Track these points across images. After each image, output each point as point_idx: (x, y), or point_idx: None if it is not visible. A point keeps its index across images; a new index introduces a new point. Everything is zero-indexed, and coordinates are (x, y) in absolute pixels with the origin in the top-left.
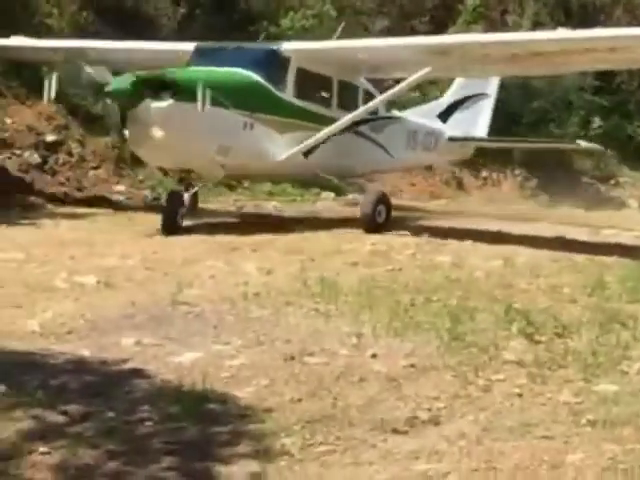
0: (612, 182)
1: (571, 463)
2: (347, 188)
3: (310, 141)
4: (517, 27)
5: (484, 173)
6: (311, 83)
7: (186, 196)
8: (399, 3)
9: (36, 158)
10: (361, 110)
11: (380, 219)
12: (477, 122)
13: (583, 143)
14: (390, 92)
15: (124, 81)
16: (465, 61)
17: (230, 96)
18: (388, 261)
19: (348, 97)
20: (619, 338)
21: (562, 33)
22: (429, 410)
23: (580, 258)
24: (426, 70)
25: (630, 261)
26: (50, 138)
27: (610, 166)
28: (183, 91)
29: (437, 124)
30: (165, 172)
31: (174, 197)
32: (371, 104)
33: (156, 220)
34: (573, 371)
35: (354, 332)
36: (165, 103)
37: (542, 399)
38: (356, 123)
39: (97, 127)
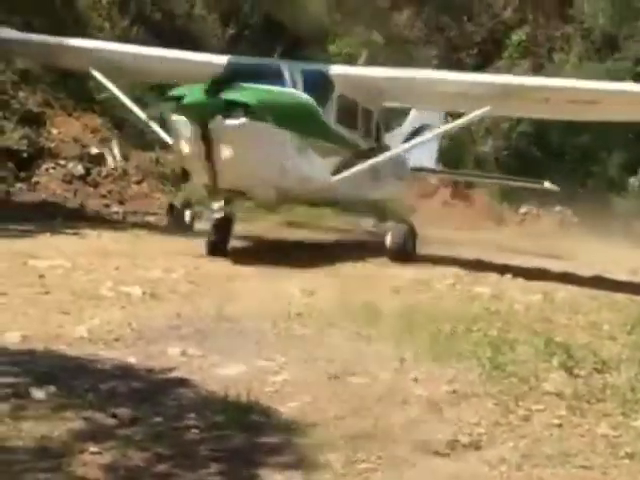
0: None
1: None
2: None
3: (360, 167)
4: (563, 64)
5: (524, 208)
6: (346, 108)
7: (233, 222)
8: (447, 34)
9: (80, 169)
10: (418, 141)
11: (409, 249)
12: (429, 153)
13: (547, 184)
14: (447, 127)
15: (199, 95)
16: (526, 103)
17: (293, 118)
18: (429, 289)
19: (368, 124)
20: None
21: (625, 86)
22: (470, 435)
23: (619, 297)
24: (485, 109)
25: None
26: (94, 150)
27: None
28: (256, 110)
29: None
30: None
31: (222, 224)
32: (427, 137)
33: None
34: (611, 405)
35: (396, 356)
36: (238, 121)
37: (581, 430)
38: (371, 151)
39: (141, 141)
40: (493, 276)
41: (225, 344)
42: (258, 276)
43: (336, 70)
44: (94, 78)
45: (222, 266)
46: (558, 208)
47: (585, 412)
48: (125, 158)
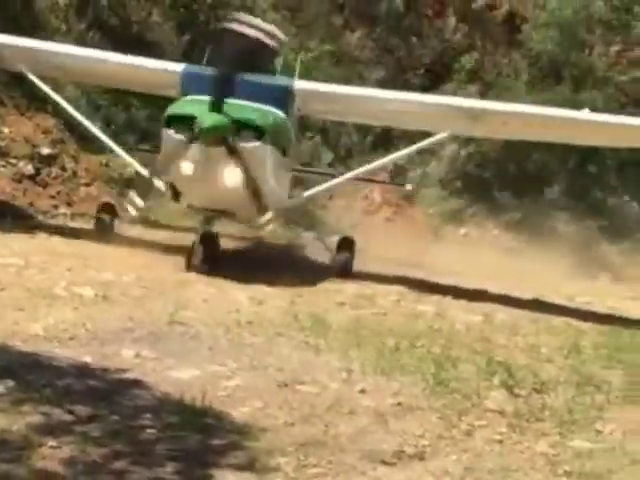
0: (589, 250)
1: None
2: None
3: (329, 185)
4: (510, 89)
5: (463, 229)
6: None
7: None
8: (397, 55)
9: (30, 169)
10: (389, 158)
11: (351, 264)
12: None
13: (408, 186)
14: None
15: (217, 117)
16: (485, 126)
17: (281, 137)
18: (372, 305)
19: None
20: (594, 399)
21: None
22: (415, 446)
23: (557, 321)
24: (444, 135)
25: (605, 329)
26: (45, 151)
27: (591, 236)
28: (267, 132)
29: None
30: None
31: (209, 239)
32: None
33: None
34: (550, 425)
35: (343, 367)
36: (253, 145)
37: (521, 447)
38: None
39: (92, 144)
40: (435, 295)
41: (178, 348)
42: (207, 283)
43: (298, 85)
44: (50, 79)
45: (172, 272)
46: (497, 232)
47: (525, 430)
48: (75, 160)
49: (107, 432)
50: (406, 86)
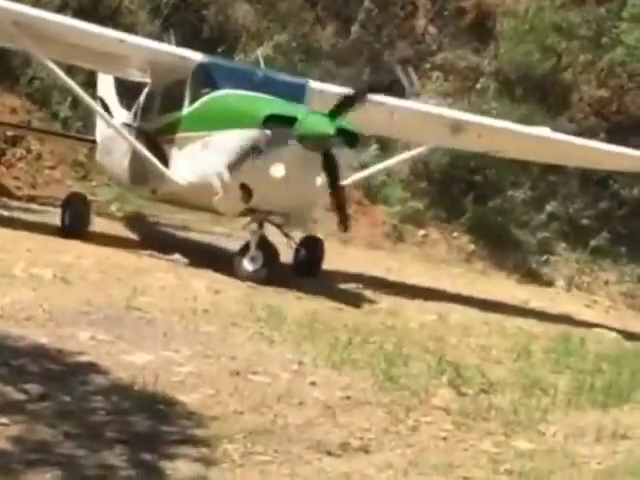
0: (545, 258)
1: None
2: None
3: None
4: (479, 95)
5: (423, 231)
6: None
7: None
8: (367, 54)
9: None
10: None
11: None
12: None
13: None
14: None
15: (325, 124)
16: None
17: None
18: (328, 300)
19: None
20: (539, 402)
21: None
22: (361, 439)
23: (509, 324)
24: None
25: (556, 334)
26: (11, 131)
27: (547, 244)
28: (353, 138)
29: None
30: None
31: (267, 244)
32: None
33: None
34: (495, 425)
35: (296, 359)
36: (348, 151)
37: (465, 445)
38: None
39: (59, 127)
40: (391, 293)
41: (134, 333)
42: (166, 271)
43: (315, 85)
44: (18, 57)
45: (131, 259)
46: (456, 234)
47: (470, 428)
48: (41, 142)
49: (58, 413)
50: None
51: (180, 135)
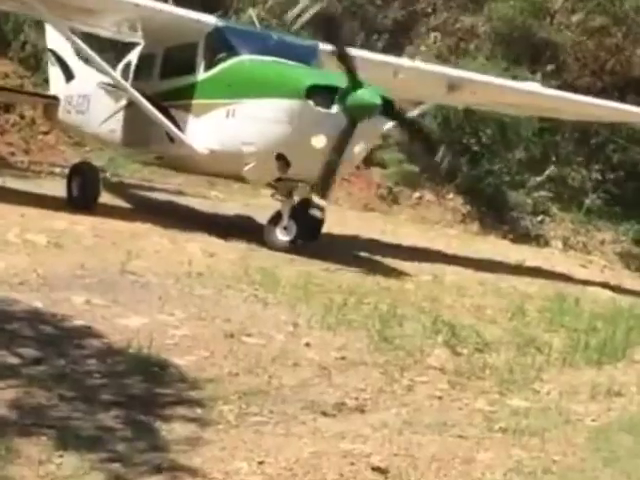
0: (540, 219)
1: (481, 461)
2: None
3: None
4: (472, 57)
5: (418, 193)
6: None
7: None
8: (360, 17)
9: None
10: None
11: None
12: None
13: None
14: None
15: (371, 94)
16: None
17: None
18: (323, 262)
19: None
20: (534, 361)
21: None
22: (356, 399)
23: (504, 284)
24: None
25: (551, 294)
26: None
27: (542, 204)
28: (391, 106)
29: None
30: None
31: (303, 212)
32: None
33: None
34: (490, 384)
35: (290, 321)
36: (387, 122)
37: (459, 404)
38: None
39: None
40: (387, 255)
41: (128, 296)
42: (162, 235)
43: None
44: (10, 21)
45: (127, 223)
46: (451, 195)
47: (465, 387)
48: (34, 108)
49: (53, 376)
50: (369, 48)
51: (196, 101)
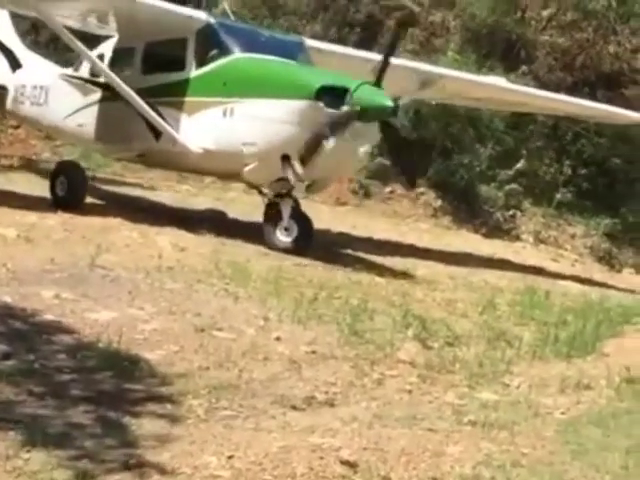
0: (511, 213)
1: (450, 454)
2: None
3: None
4: (443, 51)
5: (389, 187)
6: None
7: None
8: (332, 11)
9: None
10: None
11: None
12: None
13: None
14: None
15: (382, 96)
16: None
17: None
18: (295, 256)
19: None
20: (504, 354)
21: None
22: (326, 393)
23: (475, 278)
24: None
25: (521, 288)
26: None
27: (513, 198)
28: (397, 108)
29: None
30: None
31: (301, 213)
32: None
33: None
34: (459, 377)
35: (261, 315)
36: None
37: (429, 397)
38: None
39: None
40: (358, 248)
41: (98, 291)
42: (132, 229)
43: (311, 43)
44: None
45: (97, 217)
46: (422, 189)
47: (435, 381)
48: None
49: (22, 371)
50: (342, 42)
51: (188, 99)
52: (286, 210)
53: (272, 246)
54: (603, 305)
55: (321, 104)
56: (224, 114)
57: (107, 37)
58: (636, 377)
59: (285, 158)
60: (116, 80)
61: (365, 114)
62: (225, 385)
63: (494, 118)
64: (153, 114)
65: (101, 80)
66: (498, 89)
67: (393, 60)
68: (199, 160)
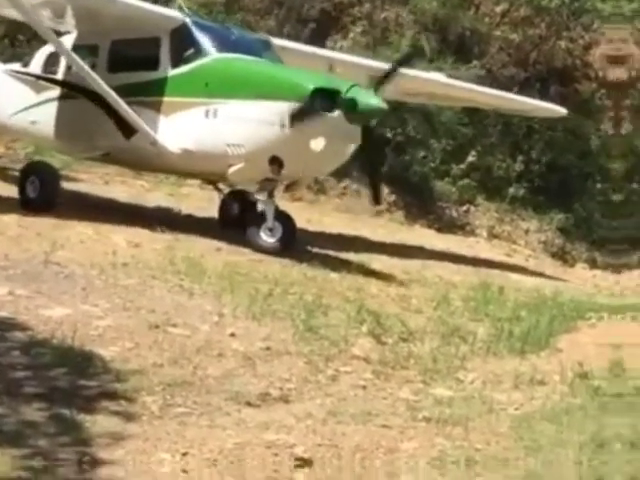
0: (465, 208)
1: (405, 450)
2: None
3: None
4: (396, 46)
5: (344, 183)
6: None
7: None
8: (287, 6)
9: None
10: None
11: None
12: None
13: None
14: None
15: (374, 98)
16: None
17: None
18: (250, 252)
19: None
20: (458, 350)
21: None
22: (280, 389)
23: (429, 274)
24: None
25: (475, 283)
26: None
27: (467, 193)
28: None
29: None
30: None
31: (283, 214)
32: None
33: None
34: (414, 373)
35: (216, 311)
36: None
37: (384, 394)
38: None
39: None
40: (311, 244)
41: (52, 287)
42: (86, 226)
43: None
44: None
45: (52, 214)
46: None
47: (389, 377)
48: None
49: None
50: (295, 38)
51: (165, 99)
52: (270, 210)
53: (257, 248)
54: (556, 300)
55: (315, 105)
56: (206, 115)
57: (64, 33)
58: (589, 373)
59: (274, 160)
60: (94, 76)
61: (356, 115)
62: (179, 382)
63: (447, 112)
64: (131, 112)
65: (58, 77)
66: (435, 84)
67: (354, 58)
68: (178, 160)
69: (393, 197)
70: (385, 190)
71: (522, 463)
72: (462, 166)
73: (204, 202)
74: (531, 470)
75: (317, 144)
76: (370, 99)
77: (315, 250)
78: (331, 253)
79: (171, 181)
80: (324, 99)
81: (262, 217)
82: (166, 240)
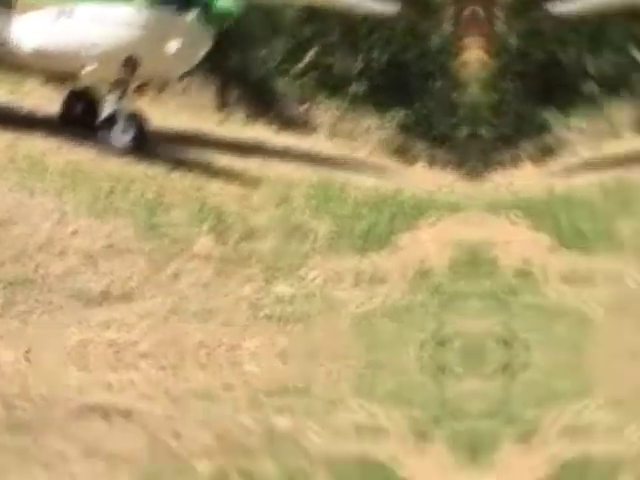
0: (306, 106)
1: (247, 348)
2: None
3: None
4: None
5: (188, 79)
6: None
7: None
8: None
9: None
10: None
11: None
12: None
13: None
14: None
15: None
16: None
17: None
18: (92, 148)
19: None
20: (300, 248)
21: None
22: (122, 288)
23: (270, 171)
24: None
25: (316, 181)
26: None
27: (308, 91)
28: None
29: None
30: None
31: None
32: None
33: None
34: (255, 271)
35: (57, 209)
36: None
37: (225, 291)
38: None
39: None
40: (155, 142)
41: None
42: None
43: None
44: None
45: None
46: (216, 82)
47: (231, 275)
48: None
49: None
50: None
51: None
52: (121, 112)
53: (109, 149)
54: (397, 198)
55: (167, 8)
56: (61, 15)
57: None
58: (430, 270)
59: (129, 61)
60: None
61: (211, 17)
62: (21, 280)
63: (288, 9)
64: None
65: None
66: None
67: None
68: (30, 59)
69: (234, 96)
70: (226, 89)
71: (362, 360)
72: (302, 65)
73: (46, 100)
74: (372, 361)
75: (172, 46)
76: (225, 1)
77: (157, 149)
78: (173, 151)
79: (13, 80)
80: (177, 2)
81: (113, 118)
82: (7, 139)
